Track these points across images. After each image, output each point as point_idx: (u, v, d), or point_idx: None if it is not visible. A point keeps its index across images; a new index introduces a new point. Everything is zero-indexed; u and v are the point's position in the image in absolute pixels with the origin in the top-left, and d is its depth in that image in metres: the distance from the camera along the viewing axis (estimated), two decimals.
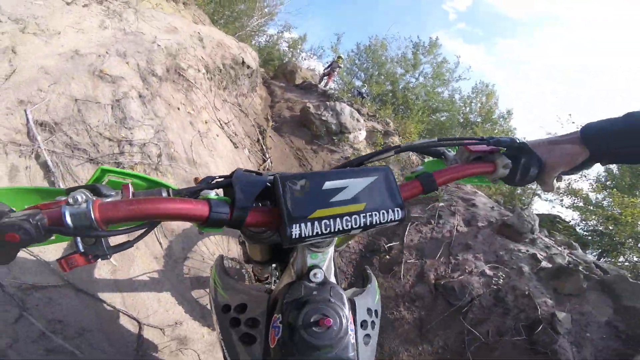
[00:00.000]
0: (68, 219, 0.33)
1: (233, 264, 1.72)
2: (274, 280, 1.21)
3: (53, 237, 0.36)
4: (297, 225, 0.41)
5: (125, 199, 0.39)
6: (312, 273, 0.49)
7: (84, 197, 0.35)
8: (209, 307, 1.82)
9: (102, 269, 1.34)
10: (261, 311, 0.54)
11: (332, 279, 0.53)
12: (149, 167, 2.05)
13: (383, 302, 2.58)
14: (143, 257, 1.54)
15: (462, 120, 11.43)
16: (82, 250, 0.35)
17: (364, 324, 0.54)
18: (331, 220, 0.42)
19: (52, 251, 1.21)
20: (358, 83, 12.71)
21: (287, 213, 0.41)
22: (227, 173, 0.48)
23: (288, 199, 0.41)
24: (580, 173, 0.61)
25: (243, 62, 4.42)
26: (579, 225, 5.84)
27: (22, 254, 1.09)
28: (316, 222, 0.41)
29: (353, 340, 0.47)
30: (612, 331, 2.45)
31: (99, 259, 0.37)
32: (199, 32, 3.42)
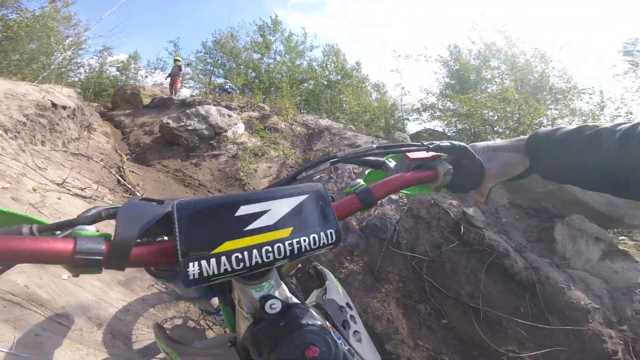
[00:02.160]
0: None
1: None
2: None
3: None
4: (196, 262, 0.33)
5: None
6: (267, 305, 0.41)
7: None
8: None
9: None
10: None
11: (292, 299, 0.45)
12: None
13: (326, 266, 2.50)
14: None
15: (325, 83, 12.13)
16: None
17: (345, 324, 0.49)
18: (245, 252, 0.35)
19: None
20: (219, 80, 12.25)
21: (181, 248, 0.33)
22: None
23: (184, 231, 0.34)
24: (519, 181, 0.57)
25: (54, 105, 3.57)
26: (445, 132, 6.98)
27: None
28: (223, 257, 0.34)
29: (347, 347, 0.44)
30: (520, 211, 2.87)
31: None
32: None
